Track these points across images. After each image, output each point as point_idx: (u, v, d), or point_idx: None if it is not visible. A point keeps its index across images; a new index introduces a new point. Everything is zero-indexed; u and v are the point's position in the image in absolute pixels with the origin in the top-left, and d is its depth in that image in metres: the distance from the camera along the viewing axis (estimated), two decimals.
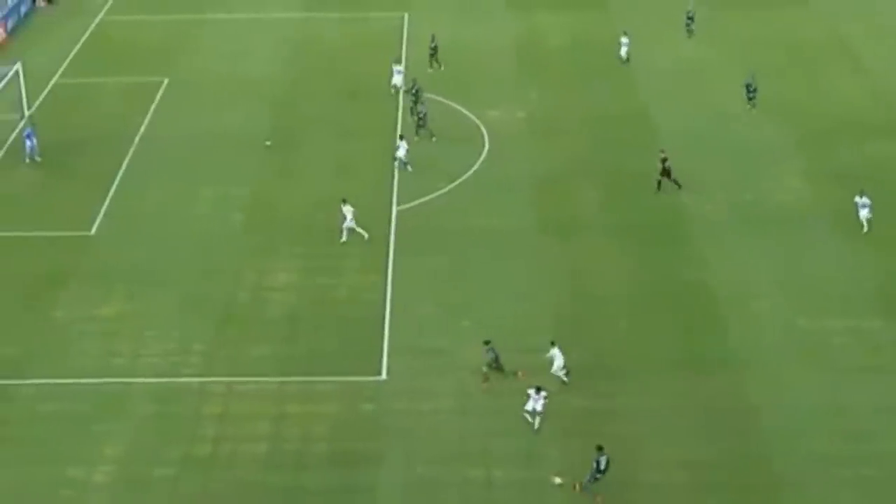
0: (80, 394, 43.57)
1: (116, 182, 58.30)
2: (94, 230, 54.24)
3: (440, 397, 43.02)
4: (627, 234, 53.26)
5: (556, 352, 43.57)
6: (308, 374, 44.12)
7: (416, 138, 60.75)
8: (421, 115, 61.76)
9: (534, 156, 60.23)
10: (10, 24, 77.98)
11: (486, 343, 43.87)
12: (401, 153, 58.30)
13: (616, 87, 67.92)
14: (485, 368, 43.64)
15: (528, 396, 41.56)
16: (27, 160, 59.58)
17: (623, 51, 70.30)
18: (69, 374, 44.61)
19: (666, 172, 55.97)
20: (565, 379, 43.42)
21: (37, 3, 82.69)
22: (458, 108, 65.44)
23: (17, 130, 62.90)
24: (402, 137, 59.23)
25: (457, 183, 57.64)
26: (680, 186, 56.00)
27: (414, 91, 63.59)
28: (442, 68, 69.29)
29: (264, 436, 41.62)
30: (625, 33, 70.79)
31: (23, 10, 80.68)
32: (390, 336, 46.51)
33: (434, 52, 69.95)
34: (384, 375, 44.35)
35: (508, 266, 51.03)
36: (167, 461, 40.52)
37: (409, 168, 58.31)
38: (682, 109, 64.99)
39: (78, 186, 57.91)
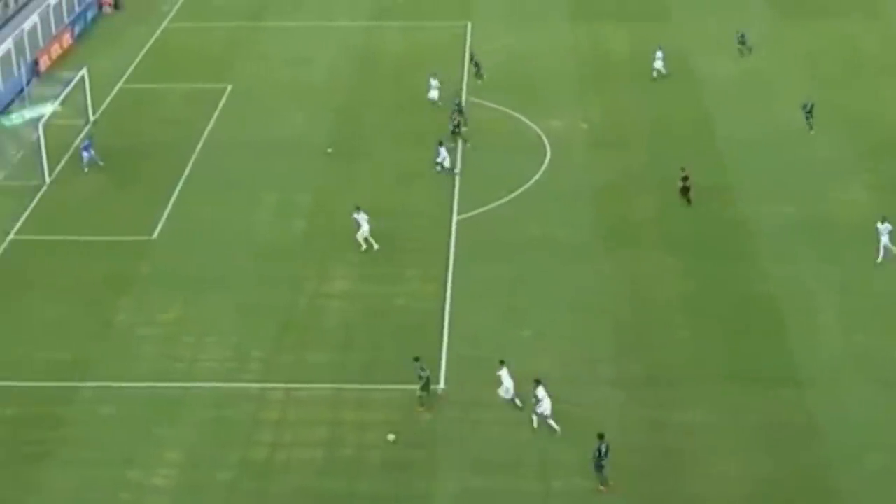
0: (139, 397, 44.05)
1: (179, 187, 58.89)
2: (156, 235, 54.81)
3: (497, 407, 43.06)
4: (687, 245, 53.09)
5: (504, 373, 43.19)
6: (365, 381, 44.35)
7: (450, 145, 60.93)
8: (455, 124, 62.09)
9: (595, 166, 60.20)
10: (76, 30, 79.00)
11: (416, 360, 43.37)
12: (442, 159, 58.95)
13: (678, 98, 67.72)
14: (418, 392, 43.16)
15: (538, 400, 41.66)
16: (85, 170, 60.21)
17: (658, 65, 69.82)
18: (129, 377, 45.12)
19: (685, 190, 55.78)
20: (518, 403, 43.08)
21: (103, 10, 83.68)
22: (520, 117, 65.52)
23: (82, 135, 63.67)
24: (441, 144, 59.53)
25: (518, 193, 57.71)
26: (689, 203, 55.63)
27: (457, 102, 63.74)
28: (479, 82, 68.80)
29: (320, 442, 41.88)
30: (659, 48, 70.34)
31: (89, 15, 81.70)
32: (448, 345, 46.63)
33: (477, 67, 69.67)
34: (441, 384, 44.44)
35: (568, 276, 51.02)
36: (225, 466, 40.87)
37: (456, 171, 58.53)
38: (744, 121, 64.68)
39: (141, 191, 58.56)
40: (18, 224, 55.88)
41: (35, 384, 44.73)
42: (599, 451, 39.12)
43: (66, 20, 78.19)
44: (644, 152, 61.55)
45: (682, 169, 56.59)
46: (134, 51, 76.20)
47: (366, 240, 52.74)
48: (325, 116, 66.14)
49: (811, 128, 62.75)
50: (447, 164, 59.21)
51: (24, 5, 77.81)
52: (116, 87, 70.79)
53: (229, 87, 70.27)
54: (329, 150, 61.94)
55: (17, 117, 67.07)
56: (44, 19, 74.93)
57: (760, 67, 71.61)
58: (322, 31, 79.21)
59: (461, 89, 66.45)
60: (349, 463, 40.93)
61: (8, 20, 75.11)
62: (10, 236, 54.83)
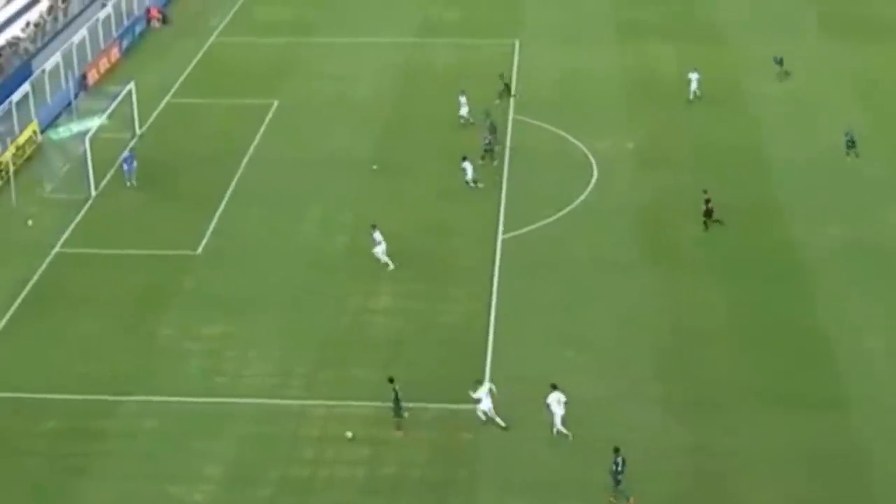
0: (181, 412, 44.23)
1: (224, 202, 59.18)
2: (200, 249, 55.08)
3: (540, 427, 42.91)
4: (733, 266, 52.81)
5: (483, 393, 43.01)
6: (408, 399, 44.21)
7: (480, 162, 61.08)
8: (487, 142, 62.27)
9: (641, 186, 60.02)
10: (124, 44, 79.63)
11: (391, 381, 43.27)
12: (468, 175, 59.25)
13: (725, 119, 67.42)
14: (393, 414, 43.17)
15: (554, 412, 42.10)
16: (127, 184, 60.58)
17: (693, 87, 69.41)
18: (171, 392, 45.31)
19: (708, 213, 55.50)
20: (500, 423, 43.06)
21: (151, 24, 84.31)
22: (567, 136, 65.44)
23: (128, 148, 64.13)
24: (465, 159, 59.70)
25: (564, 212, 57.62)
26: (707, 227, 55.38)
27: (489, 122, 63.83)
28: (497, 101, 67.97)
29: (362, 460, 41.89)
30: (694, 69, 69.92)
31: (137, 29, 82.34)
32: (492, 364, 46.56)
33: (506, 89, 69.16)
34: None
35: (613, 296, 50.88)
36: (265, 482, 40.94)
37: (481, 185, 59.14)
38: (793, 142, 64.31)
39: (186, 205, 58.89)
40: (64, 237, 56.31)
41: (77, 397, 45.00)
42: (616, 464, 39.26)
43: (115, 34, 78.81)
44: (690, 172, 61.29)
45: (705, 191, 56.27)
46: (181, 65, 76.75)
47: (380, 258, 52.93)
48: (371, 133, 66.31)
49: (855, 155, 62.02)
50: (470, 176, 59.45)
51: (73, 19, 78.47)
52: (163, 102, 71.29)
53: (276, 103, 70.60)
54: (374, 167, 62.10)
55: (64, 131, 67.65)
56: (92, 33, 75.56)
57: (809, 89, 71.19)
58: (369, 47, 79.49)
59: (496, 107, 66.26)
60: (390, 481, 40.93)
61: (57, 34, 75.77)
62: (56, 249, 55.25)
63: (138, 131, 66.68)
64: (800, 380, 45.48)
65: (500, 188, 59.60)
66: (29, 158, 64.04)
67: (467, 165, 59.63)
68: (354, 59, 77.41)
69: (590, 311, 49.89)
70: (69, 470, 41.49)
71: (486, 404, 43.04)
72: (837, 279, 51.80)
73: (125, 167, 60.83)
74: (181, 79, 74.85)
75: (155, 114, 69.54)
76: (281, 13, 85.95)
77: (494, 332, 48.51)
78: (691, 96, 69.57)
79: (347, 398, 44.82)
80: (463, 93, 67.10)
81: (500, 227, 56.33)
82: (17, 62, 70.87)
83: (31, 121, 65.42)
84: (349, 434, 42.37)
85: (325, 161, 63.18)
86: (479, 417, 43.22)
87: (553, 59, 76.58)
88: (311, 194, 59.76)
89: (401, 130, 66.70)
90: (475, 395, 43.08)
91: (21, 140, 63.63)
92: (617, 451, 39.60)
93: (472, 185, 59.43)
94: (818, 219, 56.54)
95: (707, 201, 55.76)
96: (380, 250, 52.85)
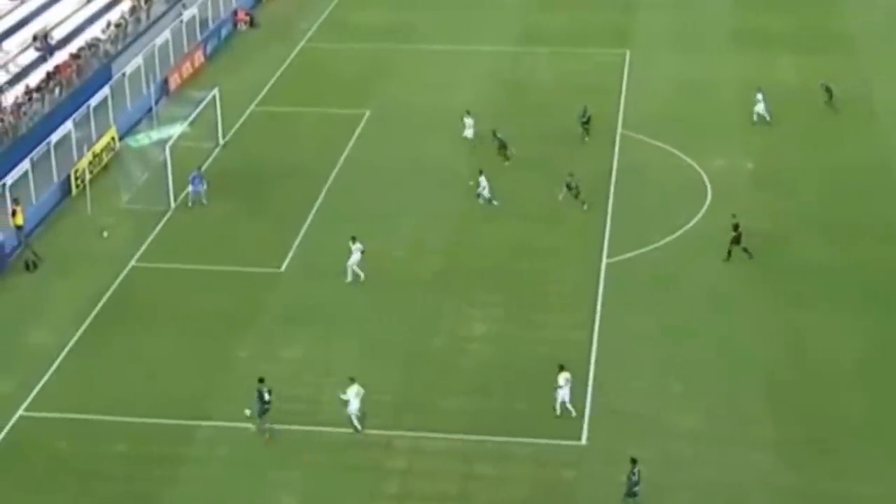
0: (258, 439, 44.47)
1: (310, 217, 59.64)
2: (284, 267, 55.55)
3: (644, 465, 42.64)
4: (860, 298, 52.09)
5: (352, 392, 44.24)
6: (501, 433, 44.24)
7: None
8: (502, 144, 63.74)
9: (759, 209, 59.39)
10: (209, 48, 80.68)
11: (261, 381, 44.32)
12: (483, 190, 59.50)
13: (856, 136, 66.70)
14: (257, 420, 44.16)
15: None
16: (189, 204, 60.93)
17: (759, 108, 68.46)
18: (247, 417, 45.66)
19: (736, 240, 54.76)
20: (358, 426, 43.96)
21: (238, 27, 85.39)
22: (680, 154, 65.10)
23: (210, 159, 64.91)
24: (481, 172, 59.82)
25: (674, 236, 57.31)
26: (730, 255, 54.70)
27: (499, 138, 64.34)
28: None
29: (451, 496, 41.90)
30: (759, 90, 69.02)
31: (223, 32, 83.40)
32: (593, 397, 46.38)
33: (587, 122, 67.88)
34: (584, 440, 44.20)
35: (724, 327, 50.45)
36: None
37: (496, 203, 59.24)
38: None
39: (270, 220, 59.41)
40: (140, 250, 57.09)
41: (149, 420, 45.48)
42: (631, 475, 39.70)
43: (199, 37, 79.94)
44: (813, 194, 60.69)
45: (733, 216, 55.57)
46: (269, 71, 77.60)
47: (353, 270, 53.62)
48: (467, 146, 66.44)
49: None
50: (486, 193, 59.61)
51: (156, 21, 79.64)
52: (249, 109, 72.11)
53: (368, 113, 71.09)
54: (471, 183, 62.18)
55: (143, 138, 68.65)
56: (175, 36, 76.71)
57: None
58: (468, 55, 79.80)
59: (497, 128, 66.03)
60: None
61: (139, 36, 77.00)
62: (132, 263, 56.03)
63: (221, 140, 67.49)
64: None
65: (605, 210, 59.39)
66: (106, 166, 65.12)
67: (483, 181, 59.68)
68: (452, 68, 77.75)
69: (700, 343, 49.49)
70: (138, 496, 41.94)
71: (353, 406, 43.94)
72: None
73: (191, 188, 61.08)
74: (268, 85, 75.68)
75: (240, 122, 70.36)
76: (375, 17, 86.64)
77: (596, 363, 48.30)
78: (755, 118, 68.71)
79: (435, 429, 44.82)
80: (468, 114, 67.05)
81: (605, 251, 56.15)
82: (96, 64, 72.24)
83: (109, 127, 66.55)
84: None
85: (419, 175, 63.48)
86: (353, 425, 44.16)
87: (666, 69, 76.31)
88: (403, 210, 60.04)
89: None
90: (343, 397, 44.14)
91: (98, 147, 64.73)
92: (634, 462, 39.99)
93: (485, 200, 59.51)
94: None
95: (735, 226, 54.94)
96: (354, 260, 53.52)
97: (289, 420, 45.29)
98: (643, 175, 63.04)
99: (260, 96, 74.04)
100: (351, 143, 67.31)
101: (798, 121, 68.97)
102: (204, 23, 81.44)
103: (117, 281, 54.61)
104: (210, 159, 65.13)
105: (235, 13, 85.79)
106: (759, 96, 68.86)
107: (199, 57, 78.99)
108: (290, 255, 56.43)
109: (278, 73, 77.50)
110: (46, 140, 61.74)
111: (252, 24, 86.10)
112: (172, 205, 60.73)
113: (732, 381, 47.12)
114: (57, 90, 67.92)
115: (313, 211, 60.24)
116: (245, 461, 43.52)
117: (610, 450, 43.39)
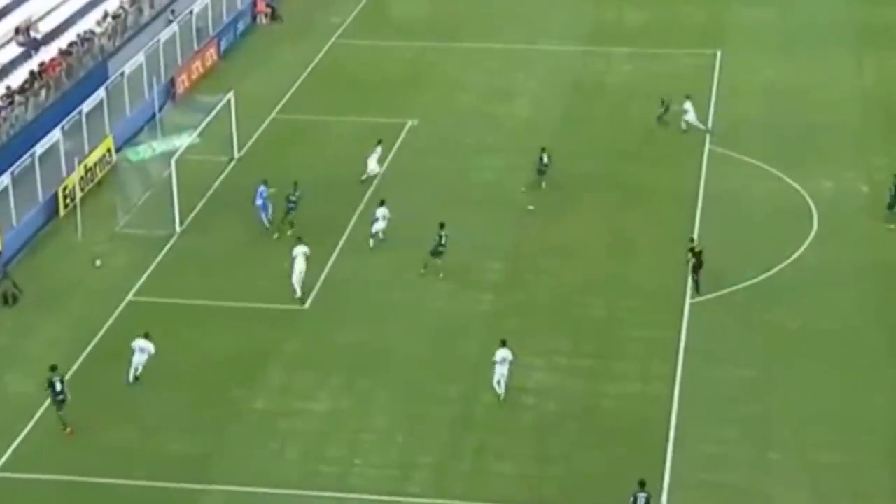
0: None
1: (340, 245, 59.82)
2: (308, 304, 55.68)
3: None
4: None
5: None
6: (563, 502, 44.13)
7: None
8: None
9: (877, 241, 59.34)
10: (223, 45, 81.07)
11: (53, 368, 47.01)
12: (377, 226, 59.52)
13: None
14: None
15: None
16: (266, 224, 61.07)
17: (688, 117, 68.80)
18: (265, 482, 45.55)
19: (695, 267, 55.31)
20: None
21: (258, 21, 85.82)
22: (781, 175, 65.03)
23: (222, 175, 65.16)
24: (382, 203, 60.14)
25: (773, 272, 57.22)
26: (696, 286, 55.24)
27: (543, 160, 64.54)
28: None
29: None
30: (688, 97, 69.38)
31: (240, 27, 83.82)
32: (673, 464, 46.21)
33: (665, 112, 69.39)
34: None
35: (833, 382, 50.24)
36: None
37: (382, 237, 59.56)
38: None
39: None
40: (139, 282, 57.40)
41: (146, 484, 45.44)
42: (636, 498, 41.03)
43: (212, 32, 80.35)
44: None
45: (691, 240, 56.02)
46: (293, 72, 78.02)
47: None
48: (526, 163, 66.38)
49: None
50: (378, 229, 59.63)
51: (161, 12, 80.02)
52: (269, 118, 72.49)
53: (409, 123, 71.33)
54: (531, 208, 62.24)
55: (145, 150, 68.93)
56: (184, 30, 77.12)
57: None
58: (527, 55, 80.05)
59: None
60: None
61: (141, 29, 77.31)
62: (129, 297, 56.33)
63: (236, 154, 67.80)
64: None
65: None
66: (100, 183, 65.57)
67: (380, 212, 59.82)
68: (509, 71, 77.99)
69: (802, 401, 49.24)
70: None
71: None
72: None
73: (262, 212, 60.99)
74: (292, 89, 76.11)
75: (258, 132, 70.72)
76: (418, 10, 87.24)
77: (676, 423, 48.16)
78: (684, 126, 69.13)
79: (486, 498, 44.73)
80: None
81: (689, 289, 56.02)
82: (90, 63, 72.52)
83: (104, 136, 66.96)
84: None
85: (469, 197, 63.57)
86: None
87: (765, 74, 76.30)
88: (449, 238, 59.95)
89: (563, 161, 66.35)
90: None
91: (91, 160, 65.16)
92: (642, 484, 40.86)
93: (377, 240, 59.63)
94: None
95: (694, 251, 55.34)
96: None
97: (316, 485, 45.25)
98: (737, 199, 63.04)
99: (282, 102, 74.42)
100: (389, 159, 67.47)
101: None
102: (218, 15, 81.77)
103: (111, 318, 54.88)
104: (222, 175, 65.39)
105: (255, 4, 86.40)
106: (688, 105, 69.19)
107: (211, 55, 79.47)
108: (316, 289, 56.58)
109: (304, 76, 77.91)
110: (31, 151, 62.11)
111: (274, 17, 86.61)
112: (178, 229, 61.07)
113: (846, 448, 46.84)
114: (43, 92, 68.31)
115: (343, 238, 60.44)
116: None
117: None
